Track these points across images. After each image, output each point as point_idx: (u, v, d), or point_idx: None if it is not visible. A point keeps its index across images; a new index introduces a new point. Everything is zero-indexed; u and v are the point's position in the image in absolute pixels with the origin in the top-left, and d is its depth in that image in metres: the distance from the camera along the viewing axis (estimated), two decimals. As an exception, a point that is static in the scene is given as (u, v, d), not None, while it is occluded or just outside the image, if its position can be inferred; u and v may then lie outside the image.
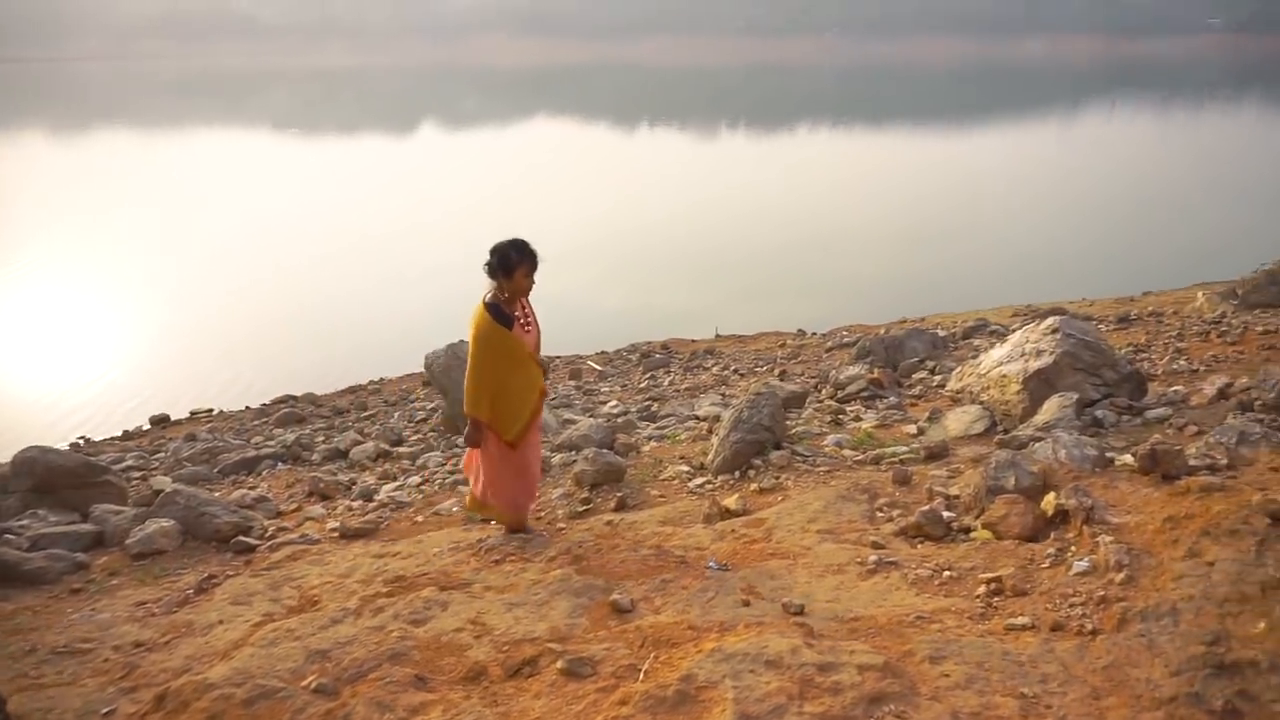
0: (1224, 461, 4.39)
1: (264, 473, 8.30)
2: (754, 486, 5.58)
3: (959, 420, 6.64)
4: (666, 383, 11.48)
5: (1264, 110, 69.23)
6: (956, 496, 4.73)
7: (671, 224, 26.75)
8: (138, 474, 8.66)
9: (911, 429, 6.69)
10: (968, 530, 4.37)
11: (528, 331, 4.63)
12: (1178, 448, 4.38)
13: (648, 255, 23.05)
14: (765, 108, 75.60)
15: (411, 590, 4.14)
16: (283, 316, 17.91)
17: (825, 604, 3.68)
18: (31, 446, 6.64)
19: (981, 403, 6.88)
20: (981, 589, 3.64)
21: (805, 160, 43.01)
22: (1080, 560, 3.68)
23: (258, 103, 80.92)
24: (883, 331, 11.82)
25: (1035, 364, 6.60)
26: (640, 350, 14.22)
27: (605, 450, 6.47)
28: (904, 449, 5.99)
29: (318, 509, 6.43)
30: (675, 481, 6.04)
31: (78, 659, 3.81)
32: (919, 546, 4.31)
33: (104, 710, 3.35)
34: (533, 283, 4.56)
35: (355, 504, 6.51)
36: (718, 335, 15.21)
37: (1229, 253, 18.18)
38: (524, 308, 4.64)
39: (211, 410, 12.84)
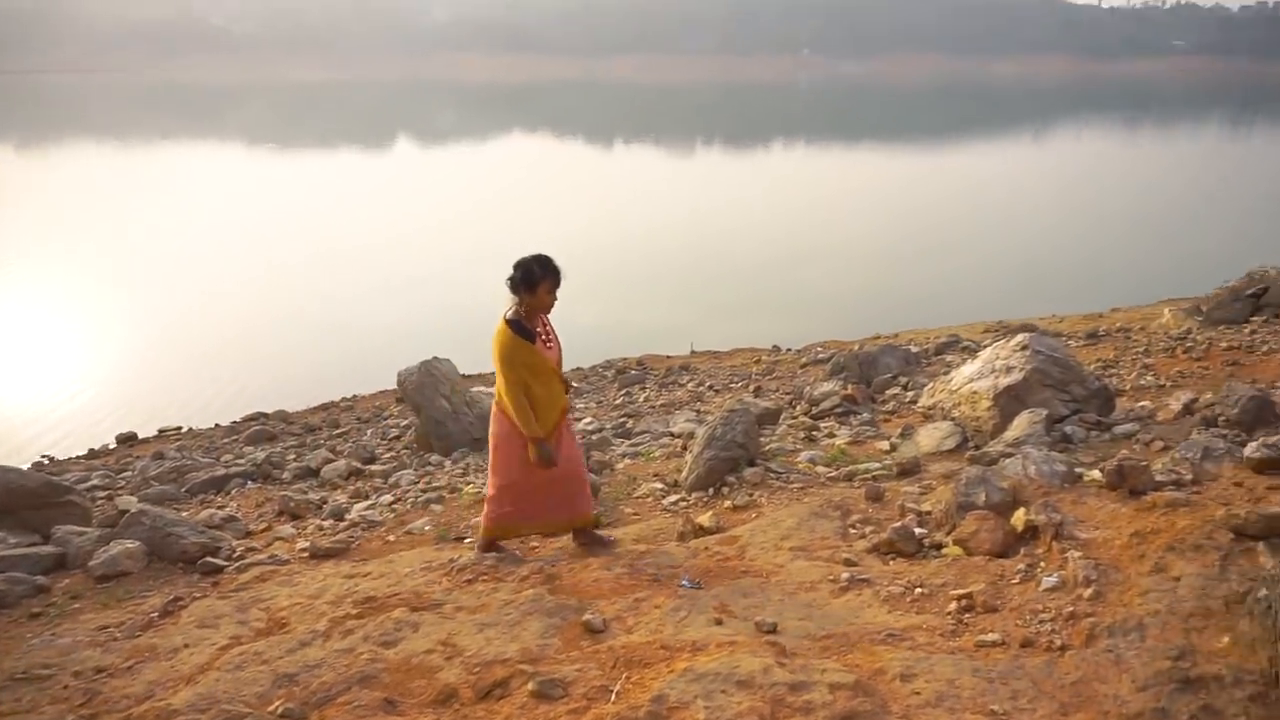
0: (1189, 477, 4.46)
1: (233, 492, 8.18)
2: (728, 504, 5.58)
3: (931, 436, 6.70)
4: (642, 399, 11.47)
5: (1225, 130, 70.90)
6: (928, 513, 4.77)
7: (647, 240, 26.83)
8: (103, 494, 8.49)
9: (884, 445, 6.73)
10: (939, 546, 4.40)
11: (549, 348, 4.57)
12: (1144, 463, 4.44)
13: (623, 271, 23.07)
14: (740, 125, 76.18)
15: (382, 611, 4.09)
16: (254, 333, 17.71)
17: (798, 622, 3.68)
18: (-10, 467, 6.49)
19: (953, 419, 6.94)
20: (953, 605, 3.66)
21: (780, 177, 43.36)
22: (1049, 576, 3.72)
23: (230, 116, 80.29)
24: (857, 347, 11.90)
25: (1005, 380, 6.68)
26: (615, 366, 14.20)
27: (579, 468, 6.44)
28: (877, 465, 6.03)
29: (288, 528, 6.34)
30: (649, 499, 6.03)
31: (36, 686, 3.72)
32: (891, 563, 4.33)
33: (63, 738, 3.27)
34: (555, 299, 4.51)
35: (326, 523, 6.43)
36: (693, 351, 15.24)
37: (1194, 270, 18.53)
38: (545, 324, 4.59)
39: (180, 428, 12.64)
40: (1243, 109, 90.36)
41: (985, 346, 8.50)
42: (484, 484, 6.79)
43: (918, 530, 4.55)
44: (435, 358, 9.70)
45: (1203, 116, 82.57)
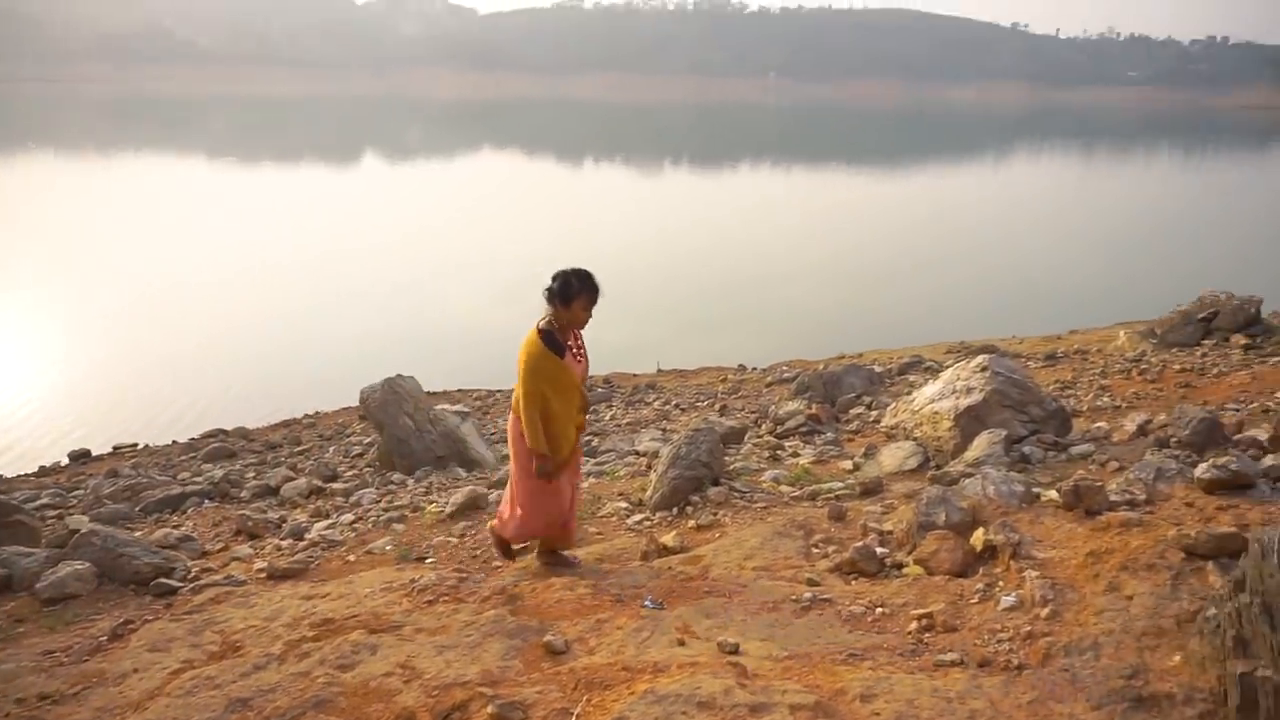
0: (1142, 497, 4.54)
1: (190, 511, 8.00)
2: (692, 523, 5.58)
3: (893, 456, 6.76)
4: (608, 417, 11.46)
5: (1178, 158, 72.97)
6: (890, 532, 4.81)
7: (615, 259, 26.85)
8: (53, 513, 8.25)
9: (848, 464, 6.78)
10: (900, 566, 4.43)
11: (579, 362, 4.53)
12: (1099, 484, 4.52)
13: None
14: (708, 145, 76.88)
15: (339, 633, 4.02)
16: (214, 347, 17.40)
17: (760, 642, 3.68)
18: (-64, 485, 6.31)
19: (915, 439, 7.02)
20: (913, 625, 3.68)
21: (747, 198, 43.77)
22: (1008, 595, 3.76)
23: (194, 129, 79.28)
24: (822, 367, 12.00)
25: (966, 401, 6.77)
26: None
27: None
28: (840, 485, 6.06)
29: (245, 548, 6.22)
30: (614, 518, 6.01)
31: (-23, 713, 3.60)
32: (853, 583, 4.35)
33: (3, 768, 3.17)
34: (589, 316, 4.47)
35: (285, 543, 6.31)
36: (659, 370, 15.27)
37: (1149, 292, 18.97)
38: (576, 339, 4.55)
39: (136, 445, 12.36)
40: (1193, 138, 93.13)
41: (947, 367, 8.62)
42: (446, 503, 6.73)
43: (879, 550, 4.58)
44: (399, 375, 9.61)
45: (1155, 145, 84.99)
